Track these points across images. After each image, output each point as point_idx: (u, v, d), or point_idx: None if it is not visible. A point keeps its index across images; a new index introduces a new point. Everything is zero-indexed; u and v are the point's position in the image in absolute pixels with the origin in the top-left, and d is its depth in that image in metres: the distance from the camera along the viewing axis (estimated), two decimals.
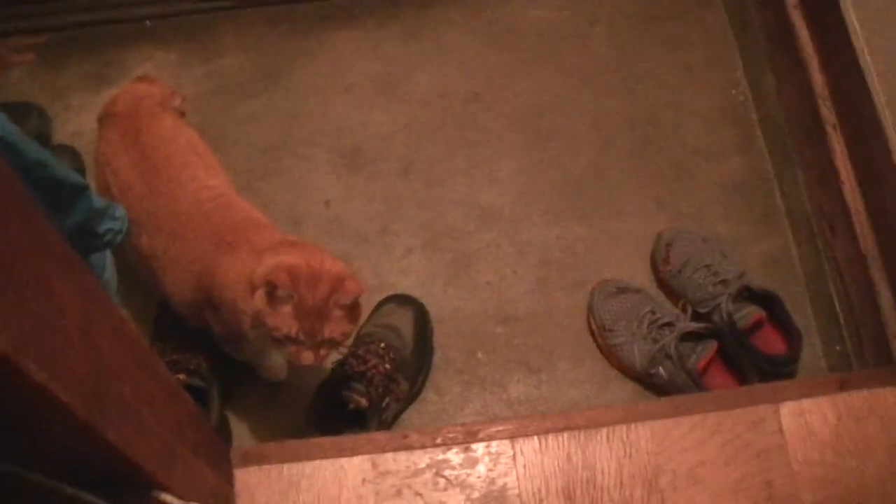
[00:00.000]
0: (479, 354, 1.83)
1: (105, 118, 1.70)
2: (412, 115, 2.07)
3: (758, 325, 1.79)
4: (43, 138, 1.91)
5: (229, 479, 1.41)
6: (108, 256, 1.70)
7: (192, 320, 1.64)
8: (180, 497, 1.03)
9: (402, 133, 2.05)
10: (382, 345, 1.73)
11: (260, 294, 1.44)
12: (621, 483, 1.44)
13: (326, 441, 1.44)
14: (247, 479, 1.42)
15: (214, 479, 1.38)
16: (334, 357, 1.69)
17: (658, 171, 2.00)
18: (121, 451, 0.84)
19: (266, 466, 1.42)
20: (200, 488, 1.29)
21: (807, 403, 1.48)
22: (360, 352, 1.71)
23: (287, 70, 2.11)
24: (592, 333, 1.84)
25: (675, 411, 1.47)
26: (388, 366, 1.70)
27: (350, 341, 1.69)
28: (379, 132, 2.05)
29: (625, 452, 1.46)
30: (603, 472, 1.44)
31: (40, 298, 0.72)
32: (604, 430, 1.46)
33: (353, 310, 1.48)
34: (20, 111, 1.95)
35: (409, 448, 1.44)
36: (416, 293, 1.86)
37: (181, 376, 1.63)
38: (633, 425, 1.46)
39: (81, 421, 0.76)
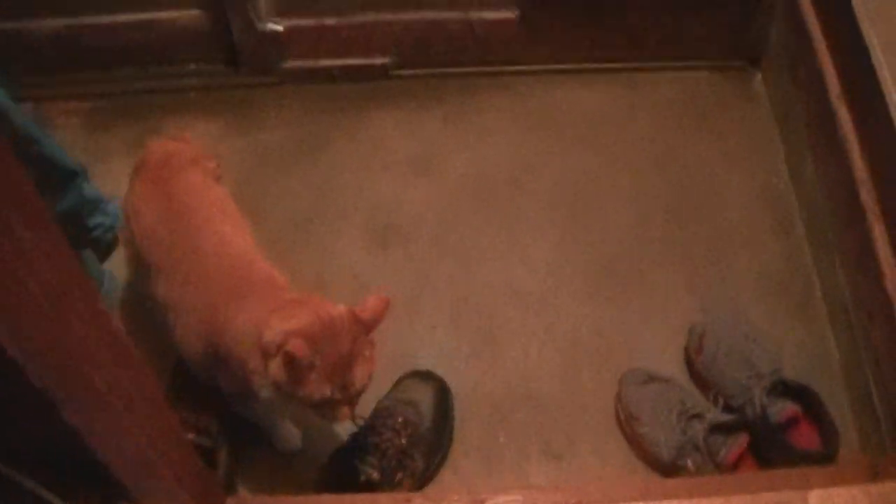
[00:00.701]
0: (500, 434, 1.77)
1: (136, 170, 1.72)
2: (448, 195, 2.07)
3: (792, 420, 1.71)
4: None
5: None
6: (108, 271, 1.68)
7: (202, 375, 1.61)
8: None
9: (437, 211, 2.05)
10: (400, 419, 1.67)
11: (278, 364, 1.39)
12: None
13: (327, 498, 1.40)
14: None
15: None
16: (351, 428, 1.66)
17: (692, 255, 1.96)
18: (81, 437, 0.81)
19: None
20: None
21: (837, 492, 1.39)
22: (376, 424, 1.66)
23: (326, 146, 2.13)
24: (619, 421, 1.77)
25: (696, 491, 1.40)
26: (403, 441, 1.65)
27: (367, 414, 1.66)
28: (413, 210, 2.05)
29: None
30: None
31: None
32: None
33: (373, 346, 1.44)
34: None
35: None
36: (438, 368, 1.81)
37: (190, 435, 1.60)
38: None
39: (33, 386, 0.74)
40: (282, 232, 2.01)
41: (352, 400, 1.41)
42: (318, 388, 1.36)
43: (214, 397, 1.66)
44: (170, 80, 2.18)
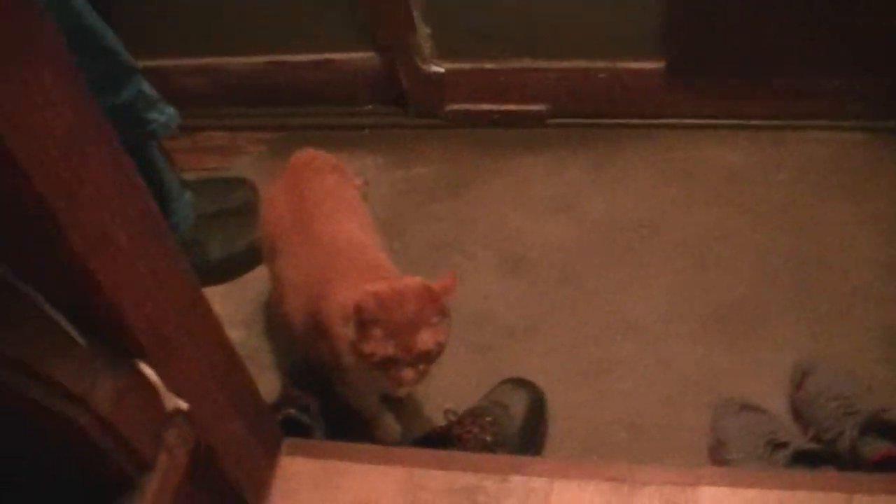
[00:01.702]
0: (593, 453, 1.80)
1: (282, 171, 1.91)
2: (581, 234, 2.15)
3: (886, 462, 1.66)
4: (249, 206, 2.18)
5: (273, 463, 1.50)
6: (186, 201, 1.81)
7: (308, 351, 1.76)
8: None
9: (568, 247, 2.13)
10: (489, 419, 1.74)
11: (351, 324, 1.52)
12: None
13: (374, 448, 1.49)
14: (288, 466, 1.49)
15: (258, 451, 1.47)
16: (441, 420, 1.74)
17: (817, 309, 1.93)
18: (90, 274, 0.94)
19: (310, 460, 1.49)
20: (238, 445, 1.38)
21: (883, 499, 1.36)
22: (465, 420, 1.74)
23: (473, 183, 2.28)
24: (710, 449, 1.77)
25: (734, 482, 1.40)
26: (488, 438, 1.72)
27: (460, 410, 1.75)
28: (546, 243, 2.14)
29: None
30: None
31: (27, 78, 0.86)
32: (651, 488, 1.41)
33: (445, 317, 1.53)
34: (235, 183, 2.25)
35: (448, 468, 1.46)
36: (548, 388, 1.87)
37: (291, 410, 1.74)
38: (685, 488, 1.40)
39: (42, 204, 0.88)
40: (420, 252, 2.15)
41: (415, 363, 1.50)
42: (381, 344, 1.48)
43: (326, 388, 1.81)
44: (346, 117, 2.41)
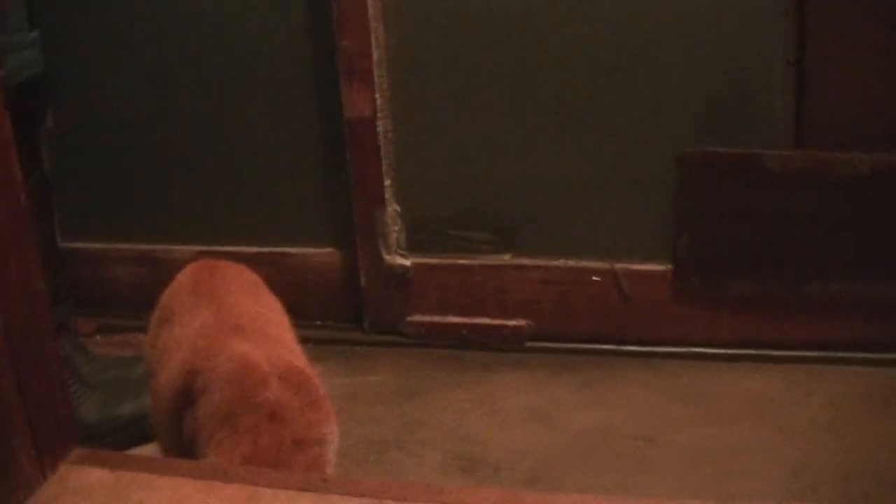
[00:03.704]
0: None
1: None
2: (560, 442, 1.69)
3: None
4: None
5: (46, 466, 1.01)
6: None
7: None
8: None
9: (540, 453, 1.67)
10: None
11: None
12: None
13: (204, 464, 0.98)
14: (69, 474, 0.99)
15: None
16: None
17: None
18: None
19: (102, 470, 0.98)
20: None
21: None
22: None
23: (429, 391, 1.87)
24: None
25: None
26: None
27: None
28: (513, 447, 1.68)
29: None
30: None
31: None
32: None
33: None
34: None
35: (321, 490, 0.92)
36: None
37: None
38: None
39: None
40: (356, 449, 1.70)
41: None
42: None
43: None
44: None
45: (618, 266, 1.86)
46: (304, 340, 2.03)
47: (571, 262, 1.89)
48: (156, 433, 1.39)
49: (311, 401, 1.25)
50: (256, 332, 1.36)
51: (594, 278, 1.87)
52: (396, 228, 1.95)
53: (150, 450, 1.63)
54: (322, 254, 2.03)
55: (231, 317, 1.39)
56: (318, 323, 2.04)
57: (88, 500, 1.05)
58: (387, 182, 1.92)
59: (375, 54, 1.87)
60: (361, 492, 0.95)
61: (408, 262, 1.95)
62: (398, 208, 1.94)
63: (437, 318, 1.97)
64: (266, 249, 2.03)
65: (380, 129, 1.90)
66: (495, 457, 1.67)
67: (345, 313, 2.04)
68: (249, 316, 1.42)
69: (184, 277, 1.54)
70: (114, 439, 1.74)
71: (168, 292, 1.53)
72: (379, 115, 1.89)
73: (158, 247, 2.10)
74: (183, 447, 1.30)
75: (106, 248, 2.15)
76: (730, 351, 1.86)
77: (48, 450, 1.07)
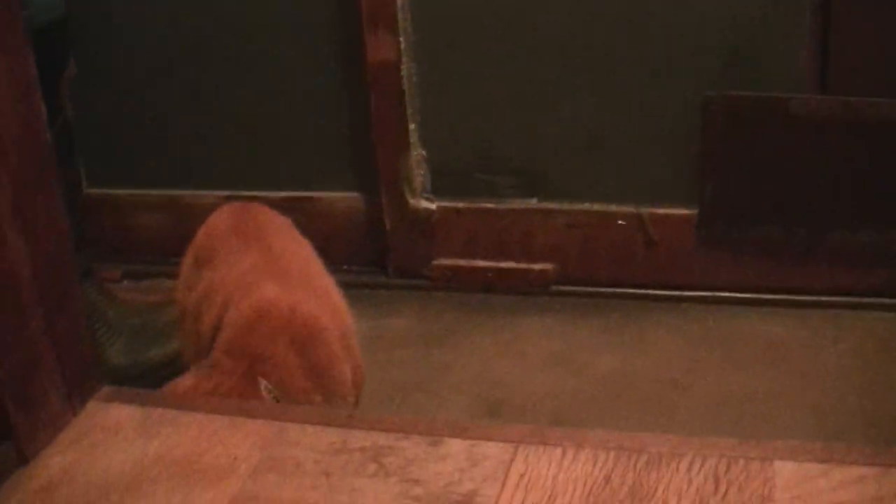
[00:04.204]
0: None
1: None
2: (584, 385, 1.69)
3: None
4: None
5: (75, 403, 1.03)
6: None
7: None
8: None
9: (565, 396, 1.68)
10: None
11: None
12: None
13: (231, 400, 0.99)
14: (97, 411, 1.00)
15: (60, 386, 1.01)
16: None
17: None
18: None
19: (130, 406, 1.00)
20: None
21: None
22: None
23: (454, 335, 1.86)
24: None
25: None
26: None
27: None
28: (537, 390, 1.68)
29: (716, 489, 0.85)
30: None
31: None
32: (686, 458, 0.88)
33: None
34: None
35: (347, 426, 0.93)
36: None
37: None
38: (738, 461, 0.87)
39: None
40: (380, 390, 1.70)
41: None
42: None
43: None
44: None
45: (643, 210, 1.85)
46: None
47: (597, 207, 1.87)
48: None
49: (312, 366, 1.26)
50: (299, 280, 1.37)
51: (620, 222, 1.86)
52: (422, 172, 1.94)
53: None
54: (347, 198, 2.02)
55: (279, 260, 1.39)
56: (342, 267, 2.03)
57: (117, 435, 1.06)
58: (412, 126, 1.91)
59: None
60: (387, 427, 0.95)
61: (433, 207, 1.94)
62: (423, 152, 1.93)
63: (462, 262, 1.97)
64: (291, 194, 2.01)
65: (404, 73, 1.89)
66: (520, 400, 1.67)
67: (369, 258, 2.03)
68: (296, 261, 1.43)
69: (222, 219, 1.54)
70: (141, 384, 1.75)
71: (206, 234, 1.53)
72: (403, 59, 1.88)
73: (184, 192, 2.10)
74: None
75: (131, 194, 2.15)
76: (754, 296, 1.85)
77: (77, 387, 1.08)
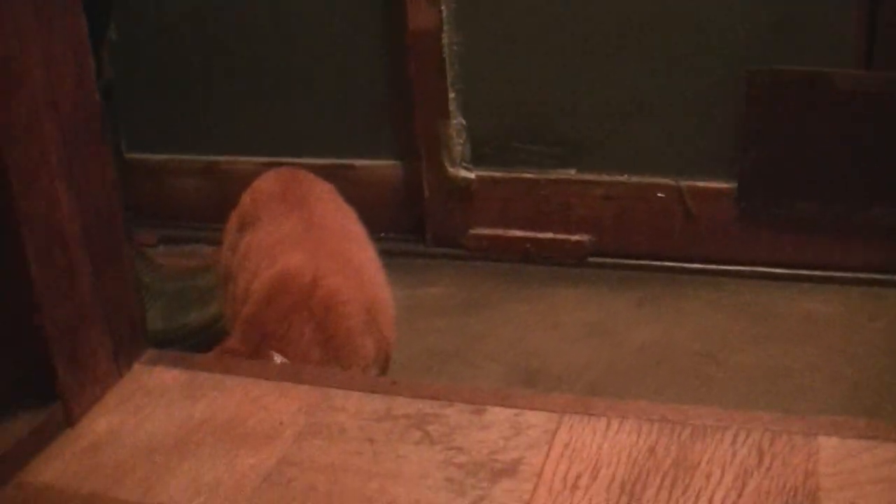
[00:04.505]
0: None
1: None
2: (620, 356, 1.69)
3: None
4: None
5: (122, 364, 1.04)
6: None
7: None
8: None
9: (601, 367, 1.67)
10: None
11: None
12: (739, 497, 0.82)
13: (276, 365, 1.00)
14: (143, 373, 1.02)
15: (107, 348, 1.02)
16: None
17: None
18: None
19: (175, 370, 1.02)
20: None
21: None
22: None
23: (491, 305, 1.86)
24: None
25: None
26: None
27: None
28: (574, 361, 1.68)
29: (760, 462, 0.85)
30: (709, 477, 0.84)
31: None
32: (730, 431, 0.89)
33: None
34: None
35: (391, 393, 0.94)
36: None
37: None
38: (782, 435, 0.87)
39: None
40: (415, 360, 1.70)
41: None
42: None
43: None
44: None
45: (682, 183, 1.84)
46: None
47: (636, 179, 1.86)
48: None
49: (328, 338, 1.27)
50: (331, 250, 1.38)
51: (658, 195, 1.85)
52: (461, 141, 1.93)
53: None
54: (386, 166, 2.03)
55: (317, 228, 1.40)
56: (380, 235, 2.02)
57: (162, 398, 1.07)
58: (451, 95, 1.90)
59: None
60: (431, 394, 0.96)
61: (472, 175, 1.94)
62: (463, 121, 1.92)
63: (499, 232, 1.97)
64: (330, 161, 2.02)
65: (445, 41, 1.88)
66: (556, 370, 1.67)
67: (407, 226, 2.04)
68: (334, 229, 1.43)
69: (269, 183, 1.55)
70: (179, 348, 1.77)
71: (251, 197, 1.54)
72: (444, 27, 1.87)
73: (221, 158, 2.12)
74: None
75: (169, 159, 2.17)
76: (792, 271, 1.84)
77: (124, 348, 1.10)
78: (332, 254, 1.38)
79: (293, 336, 1.25)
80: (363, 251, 1.47)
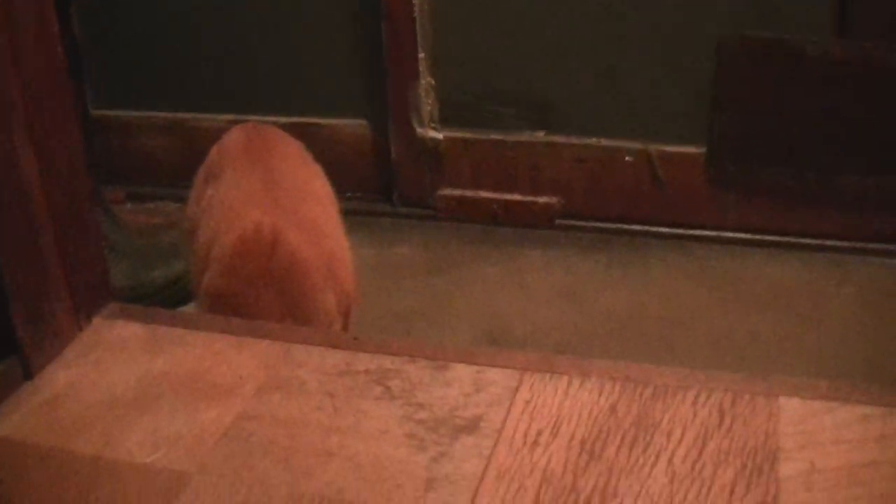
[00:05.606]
0: None
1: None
2: (587, 320, 1.69)
3: None
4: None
5: (82, 318, 1.04)
6: None
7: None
8: None
9: (567, 329, 1.68)
10: None
11: None
12: (699, 456, 0.82)
13: (237, 320, 0.99)
14: (103, 327, 1.01)
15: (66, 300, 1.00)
16: None
17: None
18: None
19: (135, 324, 0.99)
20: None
21: None
22: None
23: (458, 266, 1.86)
24: None
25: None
26: None
27: None
28: (541, 323, 1.68)
29: (721, 422, 0.86)
30: (669, 436, 0.84)
31: None
32: (692, 391, 0.89)
33: None
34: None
35: (352, 348, 0.93)
36: None
37: None
38: (744, 395, 0.88)
39: None
40: (381, 320, 1.70)
41: None
42: None
43: None
44: None
45: (651, 147, 1.83)
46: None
47: (605, 142, 1.86)
48: (195, 293, 1.41)
49: (289, 299, 1.26)
50: (288, 207, 1.36)
51: (627, 158, 1.85)
52: (430, 102, 1.92)
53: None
54: (353, 125, 2.00)
55: (277, 185, 1.39)
56: (347, 195, 2.02)
57: (122, 352, 1.07)
58: (421, 55, 1.88)
59: None
60: (393, 351, 0.96)
61: (440, 136, 1.92)
62: (432, 81, 1.91)
63: (468, 193, 1.96)
64: (297, 120, 1.99)
65: (415, 0, 1.87)
66: (522, 331, 1.67)
67: (375, 186, 2.02)
68: (294, 186, 1.42)
69: (237, 137, 1.53)
70: (144, 304, 1.76)
71: (219, 150, 1.53)
72: None
73: (189, 115, 2.09)
74: None
75: (136, 116, 2.13)
76: (760, 237, 1.84)
77: (84, 303, 1.09)
78: (290, 211, 1.37)
79: (260, 306, 1.24)
80: (322, 208, 1.46)
